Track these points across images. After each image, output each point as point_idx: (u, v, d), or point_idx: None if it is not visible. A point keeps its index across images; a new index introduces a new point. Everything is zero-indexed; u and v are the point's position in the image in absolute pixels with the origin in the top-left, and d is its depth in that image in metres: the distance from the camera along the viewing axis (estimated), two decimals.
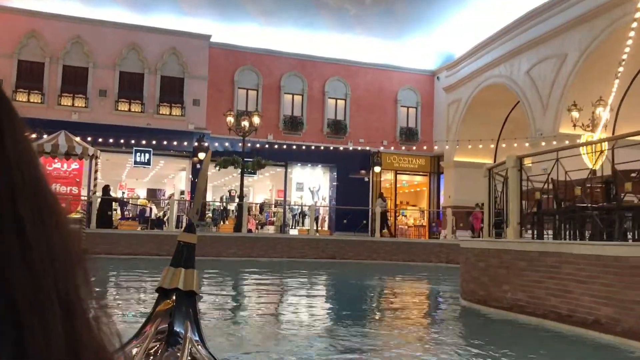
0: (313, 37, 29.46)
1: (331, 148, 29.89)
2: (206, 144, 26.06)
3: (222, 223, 27.12)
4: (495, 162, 24.58)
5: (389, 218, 27.48)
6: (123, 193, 34.74)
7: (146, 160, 26.97)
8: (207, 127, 27.85)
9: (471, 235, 23.37)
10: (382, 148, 30.84)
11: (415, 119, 32.71)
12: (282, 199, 31.97)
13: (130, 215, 26.94)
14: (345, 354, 6.35)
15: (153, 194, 38.61)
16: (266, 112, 28.02)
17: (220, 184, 35.43)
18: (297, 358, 6.08)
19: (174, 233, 17.61)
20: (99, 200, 21.83)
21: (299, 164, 31.22)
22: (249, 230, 23.75)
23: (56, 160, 23.30)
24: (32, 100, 26.09)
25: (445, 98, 31.05)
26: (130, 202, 30.16)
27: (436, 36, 29.64)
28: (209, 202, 30.77)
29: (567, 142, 16.93)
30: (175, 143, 26.49)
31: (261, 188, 37.67)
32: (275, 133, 29.59)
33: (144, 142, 26.16)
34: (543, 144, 20.06)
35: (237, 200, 25.90)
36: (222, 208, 31.56)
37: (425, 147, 31.54)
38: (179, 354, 1.66)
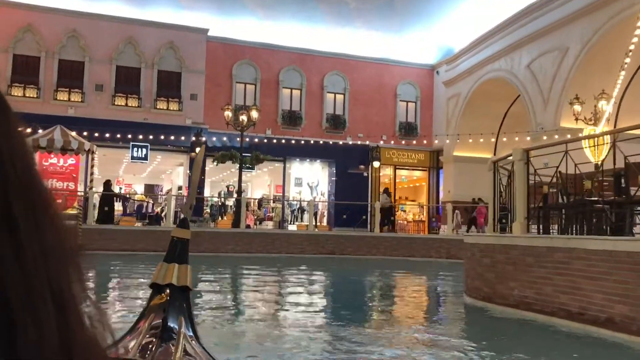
0: (312, 30, 29.21)
1: (330, 143, 29.71)
2: (204, 139, 25.81)
3: (220, 219, 26.93)
4: (495, 156, 24.38)
5: (394, 214, 27.12)
6: (120, 189, 34.47)
7: (143, 156, 26.74)
8: (204, 121, 27.59)
9: (476, 230, 23.18)
10: (381, 142, 30.61)
11: (414, 113, 32.51)
12: (281, 194, 31.80)
13: (128, 211, 26.72)
14: (347, 354, 6.13)
15: (150, 190, 38.32)
16: (264, 107, 27.76)
17: (219, 179, 35.19)
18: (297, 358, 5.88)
19: (171, 229, 17.37)
20: (100, 195, 21.63)
21: (298, 159, 31.03)
22: (248, 226, 23.52)
23: (52, 156, 23.07)
24: (27, 95, 25.82)
25: (444, 92, 30.82)
26: (131, 197, 29.89)
27: (436, 30, 29.42)
28: (207, 198, 30.55)
29: (568, 135, 16.70)
30: (172, 138, 26.23)
31: (259, 183, 37.44)
32: (273, 128, 29.35)
33: (141, 137, 25.90)
34: (545, 138, 19.84)
35: (235, 195, 25.69)
36: (220, 204, 31.33)
37: (425, 142, 31.31)
38: (172, 349, 1.65)
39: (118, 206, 26.13)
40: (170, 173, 35.10)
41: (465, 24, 27.68)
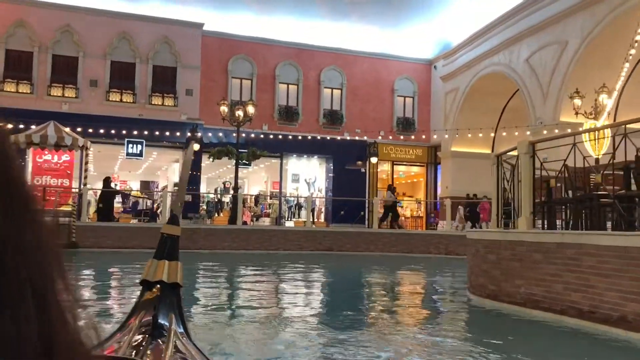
0: (308, 25, 28.92)
1: (327, 139, 29.47)
2: (199, 135, 25.51)
3: (216, 215, 26.74)
4: (493, 151, 24.19)
5: (398, 211, 26.86)
6: (115, 185, 34.17)
7: (138, 152, 26.45)
8: (200, 117, 27.29)
9: (472, 226, 22.98)
10: (379, 138, 30.33)
11: (412, 108, 32.31)
12: (278, 190, 31.55)
13: (126, 207, 26.51)
14: (347, 355, 5.88)
15: (146, 186, 38.04)
16: (261, 102, 27.49)
17: (215, 175, 34.94)
18: None
19: None
20: (100, 192, 21.41)
21: (295, 155, 30.80)
22: (244, 223, 23.28)
23: (46, 152, 22.80)
24: (20, 91, 25.49)
25: (442, 87, 30.62)
26: (131, 194, 29.61)
27: (433, 24, 29.18)
28: (203, 195, 30.30)
29: (569, 130, 16.46)
30: (167, 134, 25.89)
31: (256, 179, 37.22)
32: (270, 123, 29.09)
33: (135, 133, 25.56)
34: (545, 132, 19.62)
35: (231, 192, 25.45)
36: (216, 200, 31.09)
37: (424, 137, 31.09)
38: (163, 347, 1.62)
39: (117, 204, 25.92)
40: (166, 169, 34.80)
41: (463, 17, 27.45)
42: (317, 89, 30.57)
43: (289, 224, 27.10)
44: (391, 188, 26.01)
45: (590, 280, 6.77)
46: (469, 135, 26.78)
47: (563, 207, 9.60)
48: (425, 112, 32.35)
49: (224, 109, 22.84)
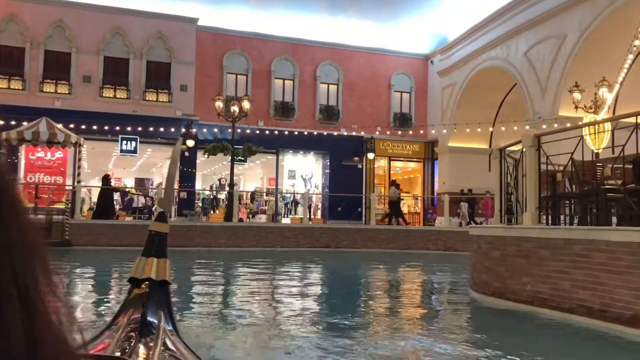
0: (304, 20, 28.64)
1: (324, 134, 29.19)
2: (194, 131, 25.20)
3: (212, 212, 26.47)
4: (491, 146, 24.00)
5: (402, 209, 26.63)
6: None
7: (133, 149, 26.15)
8: (195, 113, 26.98)
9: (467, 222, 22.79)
10: (376, 134, 30.06)
11: (409, 104, 32.11)
12: (274, 187, 31.32)
13: (124, 205, 26.22)
14: (347, 355, 5.65)
15: (141, 184, 37.70)
16: (256, 98, 27.20)
17: (210, 172, 34.67)
18: None
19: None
20: (99, 190, 21.18)
21: (291, 151, 30.57)
22: (240, 220, 23.03)
23: (39, 149, 22.53)
24: (12, 87, 25.16)
25: (439, 82, 30.38)
26: (129, 192, 29.27)
27: (430, 18, 28.96)
28: (198, 191, 30.03)
29: (568, 124, 16.25)
30: (162, 130, 25.56)
31: (252, 176, 36.94)
32: (265, 119, 28.82)
33: (130, 129, 25.22)
34: (544, 127, 19.41)
35: (227, 188, 25.20)
36: (212, 197, 30.82)
37: (421, 132, 30.88)
38: (152, 344, 1.61)
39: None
40: (161, 166, 34.48)
41: (459, 12, 27.23)
42: (313, 84, 30.31)
43: (286, 220, 26.87)
44: (395, 184, 25.75)
45: (600, 277, 6.54)
46: (467, 130, 26.55)
47: (567, 202, 9.37)
48: (422, 107, 32.16)
49: (219, 104, 22.56)
